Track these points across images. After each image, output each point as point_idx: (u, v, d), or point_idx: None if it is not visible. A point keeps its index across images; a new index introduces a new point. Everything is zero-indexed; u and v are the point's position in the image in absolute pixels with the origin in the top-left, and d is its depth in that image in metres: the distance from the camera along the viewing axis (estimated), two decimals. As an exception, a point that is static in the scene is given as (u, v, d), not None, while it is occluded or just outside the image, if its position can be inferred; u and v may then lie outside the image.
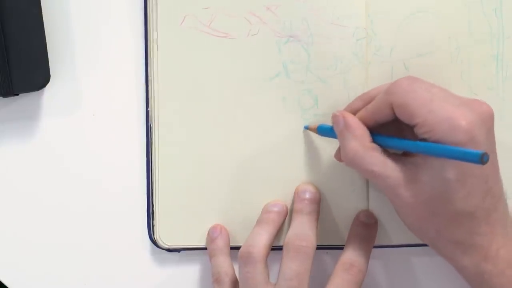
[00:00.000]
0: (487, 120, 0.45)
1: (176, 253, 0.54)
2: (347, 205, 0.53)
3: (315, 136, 0.53)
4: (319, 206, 0.52)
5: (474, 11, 0.53)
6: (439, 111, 0.44)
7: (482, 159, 0.40)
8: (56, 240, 0.54)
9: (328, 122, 0.52)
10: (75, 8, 0.53)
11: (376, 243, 0.52)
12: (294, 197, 0.52)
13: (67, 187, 0.54)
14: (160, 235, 0.53)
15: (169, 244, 0.53)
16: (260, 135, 0.53)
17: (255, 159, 0.53)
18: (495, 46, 0.53)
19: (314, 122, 0.52)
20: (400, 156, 0.47)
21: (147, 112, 0.53)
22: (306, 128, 0.52)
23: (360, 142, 0.47)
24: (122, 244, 0.54)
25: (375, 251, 0.52)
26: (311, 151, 0.53)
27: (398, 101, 0.46)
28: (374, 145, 0.47)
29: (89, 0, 0.53)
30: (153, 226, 0.53)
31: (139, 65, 0.53)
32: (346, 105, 0.51)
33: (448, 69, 0.53)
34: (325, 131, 0.51)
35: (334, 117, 0.49)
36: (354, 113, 0.49)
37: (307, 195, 0.52)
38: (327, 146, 0.52)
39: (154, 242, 0.53)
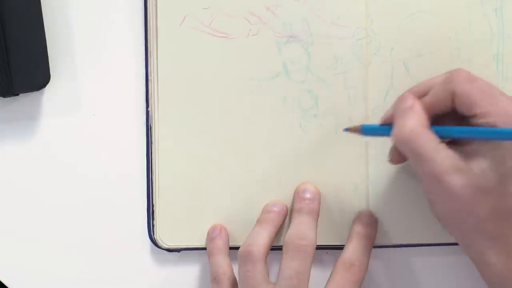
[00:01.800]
0: None
1: (176, 253, 0.54)
2: (347, 205, 0.53)
3: (315, 136, 0.52)
4: (319, 206, 0.52)
5: (474, 11, 0.53)
6: (502, 105, 0.44)
7: None
8: (56, 240, 0.54)
9: (328, 123, 0.52)
10: (75, 8, 0.53)
11: (376, 243, 0.52)
12: (294, 196, 0.52)
13: (67, 187, 0.54)
14: (160, 235, 0.53)
15: (169, 244, 0.53)
16: (260, 135, 0.53)
17: (255, 159, 0.53)
18: (495, 46, 0.53)
19: (314, 122, 0.52)
20: (452, 146, 0.46)
21: (147, 112, 0.53)
22: (346, 130, 0.51)
23: (421, 123, 0.46)
24: (122, 244, 0.54)
25: (375, 251, 0.52)
26: (311, 151, 0.53)
27: (460, 90, 0.45)
28: (431, 130, 0.46)
29: (89, 0, 0.53)
30: (153, 226, 0.53)
31: (139, 65, 0.53)
32: (347, 106, 0.52)
33: (448, 69, 0.52)
34: (372, 130, 0.50)
35: (403, 96, 0.48)
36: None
37: (307, 195, 0.52)
38: (327, 146, 0.52)
39: (154, 242, 0.53)
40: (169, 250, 0.53)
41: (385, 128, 0.49)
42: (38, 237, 0.54)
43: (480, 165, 0.45)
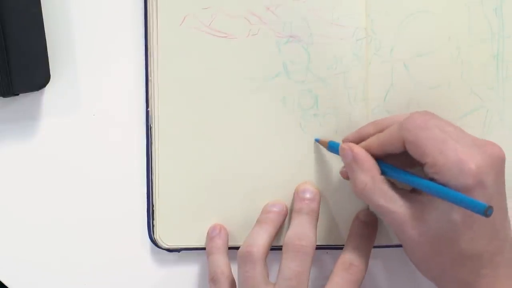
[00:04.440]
0: (498, 164, 0.45)
1: (176, 253, 0.54)
2: (347, 205, 0.53)
3: (315, 136, 0.53)
4: (319, 206, 0.52)
5: (474, 11, 0.53)
6: (450, 153, 0.44)
7: (486, 212, 0.40)
8: (56, 240, 0.54)
9: (328, 123, 0.53)
10: (75, 8, 0.53)
11: (376, 243, 0.52)
12: (294, 196, 0.52)
13: (67, 187, 0.54)
14: (160, 235, 0.53)
15: (169, 244, 0.53)
16: (260, 135, 0.53)
17: (255, 159, 0.53)
18: (495, 46, 0.53)
19: (314, 122, 0.52)
20: (408, 192, 0.47)
21: (147, 112, 0.53)
22: (317, 140, 0.52)
23: (369, 175, 0.47)
24: (122, 244, 0.54)
25: (375, 251, 0.52)
26: (311, 151, 0.53)
27: (410, 138, 0.45)
28: (383, 178, 0.47)
29: (89, 0, 0.53)
30: (153, 226, 0.53)
31: (139, 65, 0.53)
32: (347, 106, 0.52)
33: (448, 69, 0.53)
34: (336, 150, 0.51)
35: (342, 150, 0.49)
36: (364, 138, 0.49)
37: (307, 195, 0.52)
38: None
39: (154, 242, 0.53)
40: (169, 250, 0.53)
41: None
42: (38, 236, 0.54)
43: (433, 215, 0.45)
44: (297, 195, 0.52)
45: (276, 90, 0.53)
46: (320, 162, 0.53)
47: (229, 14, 0.52)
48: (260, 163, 0.53)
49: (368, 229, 0.52)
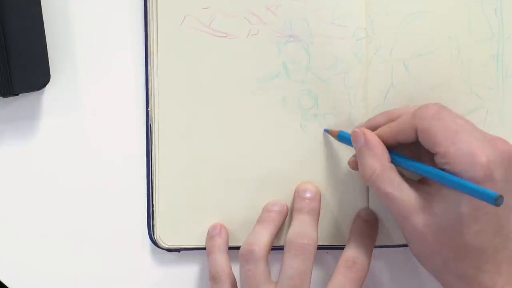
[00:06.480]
0: (508, 160, 0.45)
1: (176, 253, 0.54)
2: (347, 204, 0.53)
3: (315, 136, 0.53)
4: (320, 205, 0.52)
5: (474, 11, 0.53)
6: (462, 145, 0.44)
7: (496, 201, 0.41)
8: (55, 239, 0.54)
9: (328, 123, 0.53)
10: (75, 8, 0.53)
11: (378, 243, 0.52)
12: (294, 196, 0.52)
13: (67, 187, 0.54)
14: (160, 235, 0.53)
15: (169, 244, 0.53)
16: (260, 135, 0.53)
17: (255, 159, 0.53)
18: (495, 46, 0.53)
19: (314, 122, 0.52)
20: (416, 183, 0.47)
21: (147, 112, 0.53)
22: (326, 131, 0.52)
23: (379, 162, 0.47)
24: (122, 244, 0.54)
25: (377, 251, 0.52)
26: (311, 151, 0.53)
27: (424, 126, 0.46)
28: (392, 165, 0.47)
29: (89, 0, 0.53)
30: (153, 226, 0.53)
31: (139, 65, 0.53)
32: (347, 106, 0.52)
33: (448, 69, 0.53)
34: (346, 140, 0.51)
35: (354, 133, 0.49)
36: (374, 128, 0.49)
37: (308, 194, 0.52)
38: (327, 146, 0.52)
39: (154, 242, 0.53)
40: (169, 250, 0.53)
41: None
42: (38, 236, 0.54)
43: (441, 206, 0.45)
44: (297, 195, 0.52)
45: (276, 90, 0.53)
46: (320, 162, 0.53)
47: (229, 14, 0.52)
48: (260, 163, 0.53)
49: (370, 227, 0.52)
